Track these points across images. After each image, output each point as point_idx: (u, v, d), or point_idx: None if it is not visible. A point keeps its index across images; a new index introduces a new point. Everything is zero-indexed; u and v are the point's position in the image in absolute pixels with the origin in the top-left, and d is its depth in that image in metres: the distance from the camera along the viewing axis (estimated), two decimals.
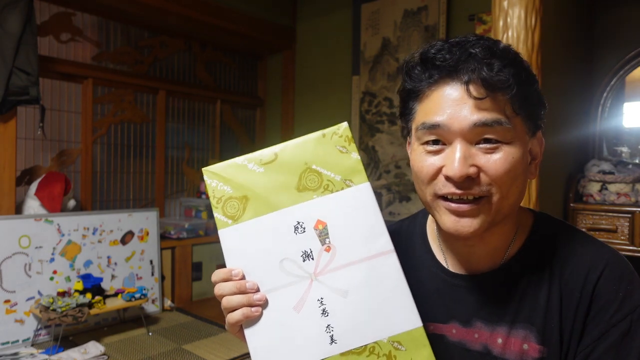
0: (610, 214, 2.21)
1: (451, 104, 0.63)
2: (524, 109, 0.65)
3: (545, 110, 0.70)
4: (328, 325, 0.64)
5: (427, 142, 0.66)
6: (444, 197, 0.66)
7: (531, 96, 0.66)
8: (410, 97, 0.70)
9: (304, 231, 0.66)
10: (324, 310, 0.64)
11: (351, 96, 3.84)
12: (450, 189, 0.64)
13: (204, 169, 0.69)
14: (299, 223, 0.66)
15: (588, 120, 2.63)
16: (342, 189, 0.67)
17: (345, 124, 0.69)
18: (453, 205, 0.65)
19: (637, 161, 2.54)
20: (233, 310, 0.65)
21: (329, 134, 0.68)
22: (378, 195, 3.67)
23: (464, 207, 0.64)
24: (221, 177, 0.68)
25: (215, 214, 0.68)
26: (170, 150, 3.96)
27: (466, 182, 0.63)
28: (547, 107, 0.70)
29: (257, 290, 0.65)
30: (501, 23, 1.67)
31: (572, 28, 2.40)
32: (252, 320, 0.65)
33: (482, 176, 0.63)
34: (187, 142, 4.08)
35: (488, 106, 0.62)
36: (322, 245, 0.66)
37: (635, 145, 2.59)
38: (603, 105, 2.62)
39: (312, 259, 0.65)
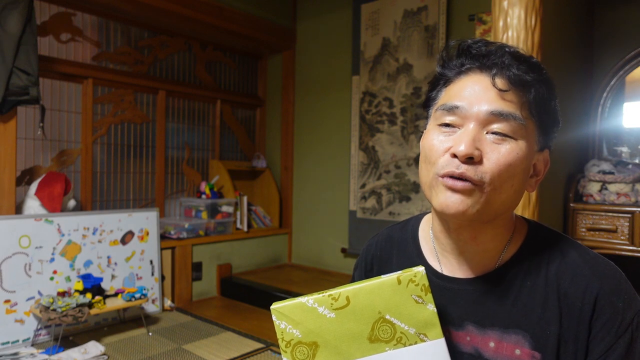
0: (610, 214, 2.21)
1: (474, 91, 0.68)
2: (539, 116, 0.69)
3: (558, 128, 0.73)
4: None
5: (442, 124, 0.70)
6: (443, 177, 0.68)
7: (548, 109, 0.70)
8: (439, 83, 0.74)
9: None
10: None
11: (351, 96, 3.84)
12: (450, 168, 0.66)
13: (272, 309, 0.67)
14: None
15: (588, 120, 2.63)
16: (416, 342, 0.65)
17: (422, 270, 0.66)
18: (450, 181, 0.67)
19: (637, 161, 2.54)
20: None
21: (405, 280, 0.66)
22: (378, 195, 3.67)
23: (458, 184, 0.66)
24: (290, 319, 0.66)
25: (284, 358, 0.66)
26: (170, 150, 3.96)
27: (467, 162, 0.65)
28: (560, 126, 0.73)
29: None
30: (501, 23, 1.67)
31: (572, 28, 2.40)
32: None
33: (484, 161, 0.66)
34: (187, 142, 4.08)
35: (508, 99, 0.66)
36: None
37: (635, 145, 2.59)
38: (603, 105, 2.62)
39: None
